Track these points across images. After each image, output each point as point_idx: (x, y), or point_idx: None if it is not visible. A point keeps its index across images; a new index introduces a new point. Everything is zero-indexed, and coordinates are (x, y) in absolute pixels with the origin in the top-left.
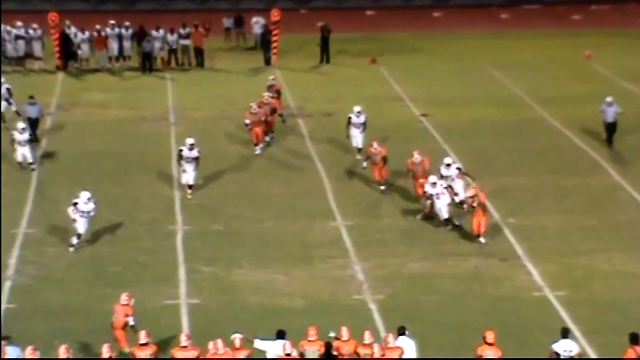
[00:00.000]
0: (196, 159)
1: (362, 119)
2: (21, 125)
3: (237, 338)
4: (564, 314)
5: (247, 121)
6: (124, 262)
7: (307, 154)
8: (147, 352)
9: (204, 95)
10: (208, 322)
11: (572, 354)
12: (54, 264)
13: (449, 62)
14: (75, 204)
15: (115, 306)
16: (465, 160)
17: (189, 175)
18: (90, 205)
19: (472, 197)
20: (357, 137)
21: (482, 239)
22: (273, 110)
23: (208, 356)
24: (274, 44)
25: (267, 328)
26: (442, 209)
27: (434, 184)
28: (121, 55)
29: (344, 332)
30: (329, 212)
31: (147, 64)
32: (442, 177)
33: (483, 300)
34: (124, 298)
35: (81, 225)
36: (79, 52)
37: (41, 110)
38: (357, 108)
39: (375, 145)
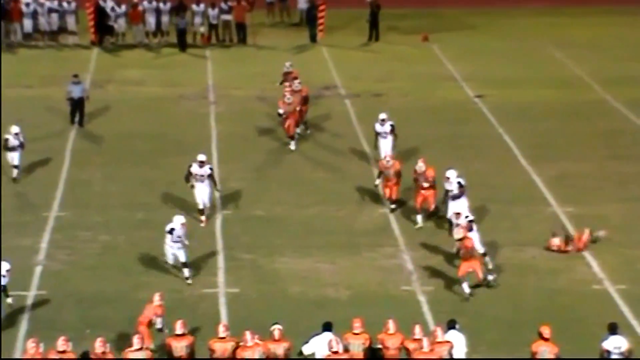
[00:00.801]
0: (210, 176)
1: (387, 127)
2: (15, 129)
3: (276, 329)
4: (624, 308)
5: (281, 111)
6: (160, 248)
7: (354, 137)
8: (183, 343)
9: (246, 73)
10: (247, 312)
11: (622, 349)
12: (86, 249)
13: (506, 40)
14: None
15: (147, 305)
16: (522, 144)
17: (202, 196)
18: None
19: (460, 239)
20: (385, 148)
21: (490, 278)
22: (305, 100)
23: (238, 350)
24: (320, 20)
25: (309, 320)
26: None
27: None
28: (159, 30)
29: (390, 325)
30: (377, 198)
31: (181, 41)
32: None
33: (539, 294)
34: (156, 298)
35: None
36: (115, 26)
37: (85, 90)
38: (381, 115)
39: (387, 158)
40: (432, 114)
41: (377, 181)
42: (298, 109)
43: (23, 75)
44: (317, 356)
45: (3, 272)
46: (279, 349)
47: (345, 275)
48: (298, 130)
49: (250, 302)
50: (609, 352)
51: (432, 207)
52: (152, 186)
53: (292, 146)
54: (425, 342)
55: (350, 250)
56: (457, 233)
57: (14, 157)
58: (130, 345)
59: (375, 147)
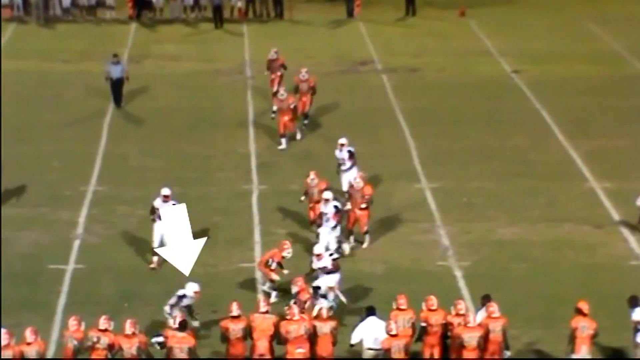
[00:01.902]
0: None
1: (345, 153)
2: None
3: (323, 309)
4: None
5: (275, 108)
6: (197, 223)
7: (390, 112)
8: (239, 326)
9: (282, 48)
10: (284, 287)
11: None
12: (124, 223)
13: (543, 15)
14: None
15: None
16: (559, 119)
17: (159, 234)
18: None
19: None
20: (344, 178)
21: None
22: (312, 90)
23: (282, 323)
24: None
25: (345, 293)
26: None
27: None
28: (196, 5)
29: (433, 301)
30: (413, 173)
31: (218, 16)
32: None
33: (576, 269)
34: (285, 246)
35: None
36: (153, 1)
37: (125, 70)
38: (341, 140)
39: (358, 179)
40: (468, 89)
41: (348, 205)
42: (292, 106)
43: (61, 50)
44: (365, 344)
45: (190, 293)
46: (325, 328)
47: (381, 251)
48: (305, 121)
49: (286, 277)
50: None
51: (365, 228)
52: (189, 161)
53: (283, 145)
54: (472, 318)
55: (386, 225)
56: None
57: None
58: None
59: (338, 172)
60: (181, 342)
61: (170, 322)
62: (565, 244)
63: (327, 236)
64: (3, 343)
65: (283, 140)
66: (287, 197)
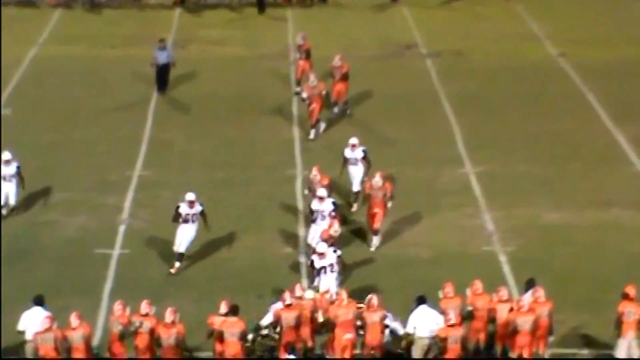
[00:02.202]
0: (202, 214)
1: (358, 153)
2: (6, 156)
3: (374, 297)
4: None
5: (305, 95)
6: (242, 208)
7: (434, 96)
8: (292, 314)
9: (326, 33)
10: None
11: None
12: (169, 208)
13: None
14: None
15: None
16: (605, 103)
17: (184, 237)
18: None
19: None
20: (355, 178)
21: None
22: (345, 76)
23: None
24: None
25: (390, 279)
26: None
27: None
28: None
29: (479, 285)
30: (457, 157)
31: (261, 2)
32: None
33: (622, 254)
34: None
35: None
36: None
37: (171, 56)
38: (352, 140)
39: (377, 177)
40: (514, 73)
41: (355, 206)
42: (324, 92)
43: (107, 36)
44: (418, 333)
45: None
46: (375, 317)
47: (426, 235)
48: (335, 109)
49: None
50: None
51: (378, 225)
52: (233, 146)
53: (312, 135)
54: (523, 302)
55: (431, 210)
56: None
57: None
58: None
59: (340, 173)
60: (232, 327)
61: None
62: (611, 228)
63: (318, 234)
64: (45, 326)
65: (312, 131)
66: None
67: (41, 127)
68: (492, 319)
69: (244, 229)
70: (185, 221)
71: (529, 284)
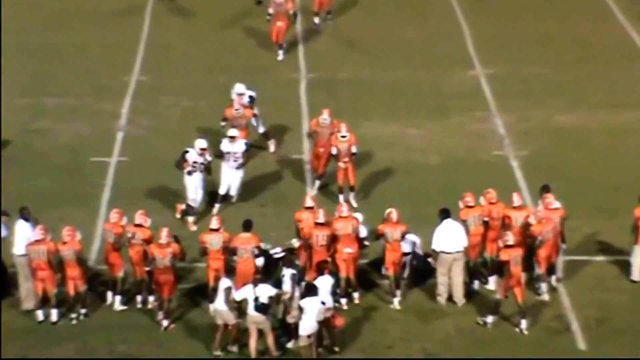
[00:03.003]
0: (207, 167)
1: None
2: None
3: (393, 212)
4: None
5: (271, 11)
6: None
7: None
8: (324, 232)
9: None
10: (332, 179)
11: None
12: (167, 115)
13: None
14: None
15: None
16: (620, 1)
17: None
18: None
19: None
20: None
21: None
22: None
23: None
24: None
25: (397, 185)
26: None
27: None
28: None
29: (493, 194)
30: (467, 58)
31: None
32: None
33: (638, 157)
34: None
35: None
36: None
37: None
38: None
39: (343, 131)
40: None
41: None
42: (292, 12)
43: None
44: (440, 247)
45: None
46: (396, 233)
47: (434, 140)
48: (316, 20)
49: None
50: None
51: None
52: (235, 49)
53: (280, 56)
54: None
55: (439, 114)
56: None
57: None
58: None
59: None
60: (246, 243)
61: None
62: (627, 130)
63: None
64: (36, 237)
65: (280, 52)
66: (335, 86)
67: (32, 29)
68: (506, 227)
69: None
70: (190, 172)
71: (544, 190)
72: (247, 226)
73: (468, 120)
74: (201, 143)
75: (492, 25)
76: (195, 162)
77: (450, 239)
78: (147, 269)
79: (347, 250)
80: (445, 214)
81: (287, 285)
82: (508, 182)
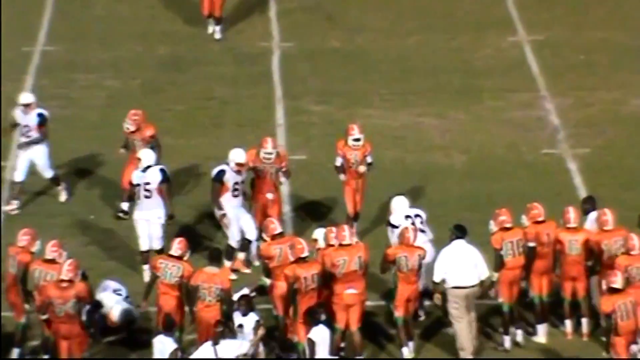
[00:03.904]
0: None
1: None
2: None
3: (409, 230)
4: None
5: None
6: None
7: None
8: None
9: None
10: (319, 181)
11: None
12: (87, 99)
13: None
14: None
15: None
16: None
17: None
18: None
19: None
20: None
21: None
22: None
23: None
24: None
25: (410, 196)
26: None
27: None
28: None
29: (540, 210)
30: (506, 20)
31: None
32: None
33: None
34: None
35: None
36: None
37: None
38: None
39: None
40: None
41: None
42: None
43: None
44: (450, 281)
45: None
46: (413, 259)
47: (460, 134)
48: None
49: (321, 171)
50: None
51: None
52: (178, 9)
53: (218, 34)
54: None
55: (467, 97)
56: None
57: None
58: None
59: None
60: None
61: None
62: None
63: None
64: None
65: (210, 27)
66: (322, 58)
67: None
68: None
69: (196, 130)
70: (235, 195)
71: (588, 204)
72: (216, 258)
73: (507, 106)
74: (238, 155)
75: None
76: (236, 184)
77: (463, 267)
78: (42, 317)
79: (350, 291)
80: (459, 231)
81: (248, 339)
82: (563, 192)
